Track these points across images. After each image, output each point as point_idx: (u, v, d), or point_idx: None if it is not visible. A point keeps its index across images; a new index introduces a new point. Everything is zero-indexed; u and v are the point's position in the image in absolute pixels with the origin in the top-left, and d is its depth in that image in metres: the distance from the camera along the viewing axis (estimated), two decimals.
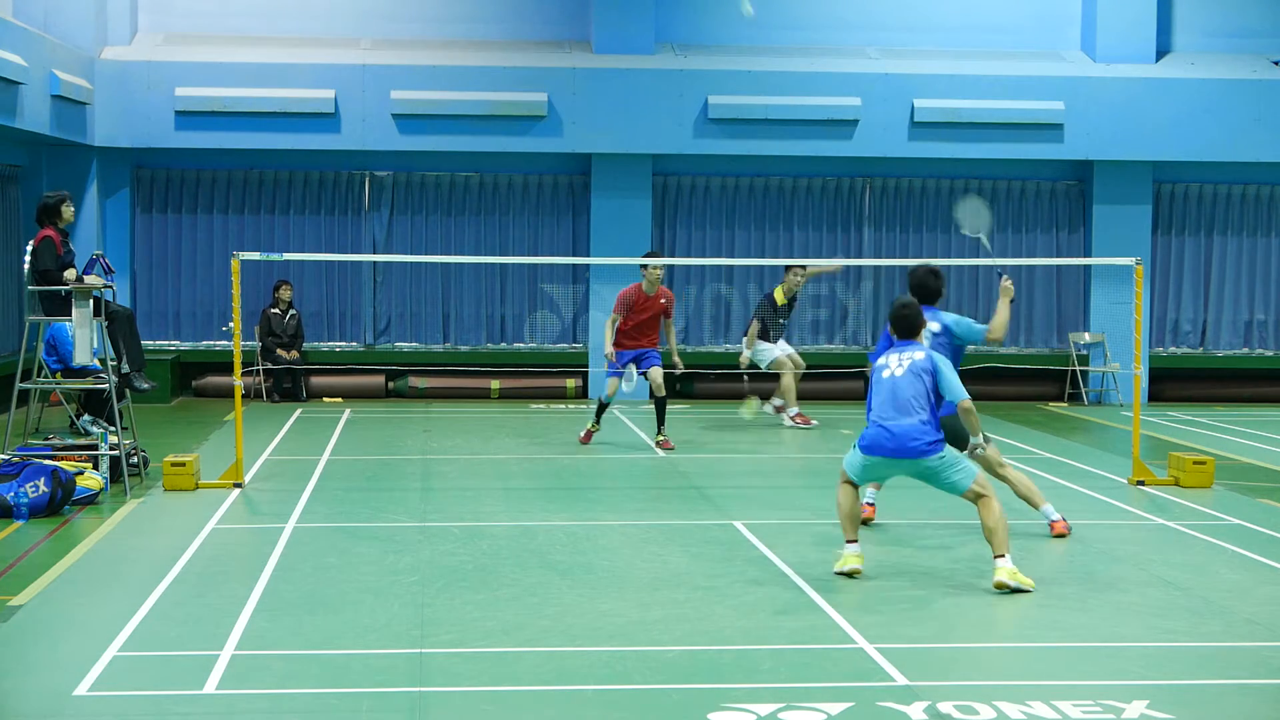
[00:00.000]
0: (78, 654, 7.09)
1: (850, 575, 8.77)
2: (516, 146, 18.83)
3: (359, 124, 18.59)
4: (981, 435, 8.93)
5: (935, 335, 9.74)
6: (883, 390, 8.73)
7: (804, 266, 16.48)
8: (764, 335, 16.30)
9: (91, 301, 11.86)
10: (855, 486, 8.92)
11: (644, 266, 14.55)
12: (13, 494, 10.56)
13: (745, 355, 16.28)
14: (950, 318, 9.92)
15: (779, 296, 16.36)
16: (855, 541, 8.86)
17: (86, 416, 13.00)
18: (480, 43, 19.63)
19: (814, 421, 16.29)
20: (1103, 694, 6.59)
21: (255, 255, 13.11)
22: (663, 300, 14.58)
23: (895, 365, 8.78)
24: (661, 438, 14.56)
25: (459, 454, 14.18)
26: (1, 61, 15.07)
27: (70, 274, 12.46)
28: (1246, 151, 19.43)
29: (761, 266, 19.50)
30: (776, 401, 16.50)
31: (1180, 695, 6.63)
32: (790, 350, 16.48)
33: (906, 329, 8.94)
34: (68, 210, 12.90)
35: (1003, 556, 8.47)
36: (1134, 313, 13.57)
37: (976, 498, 8.64)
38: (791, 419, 16.24)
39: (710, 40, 19.80)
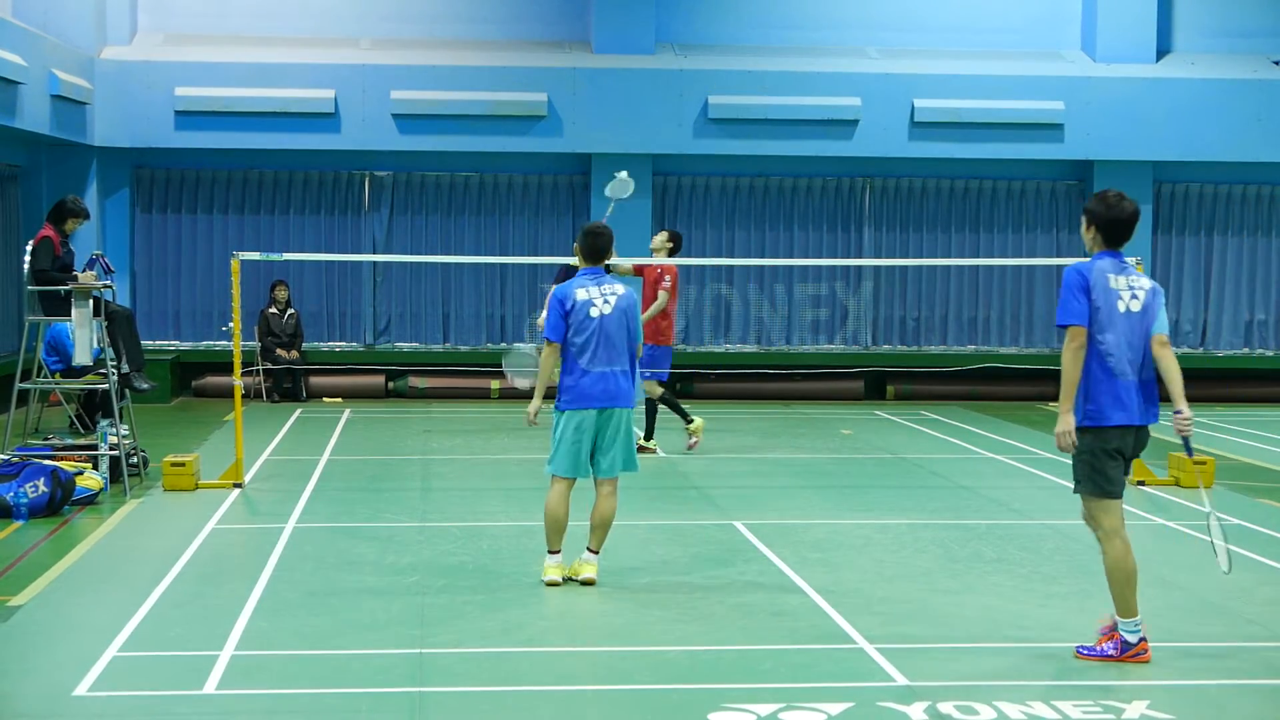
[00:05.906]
0: (78, 654, 7.08)
1: None
2: (516, 146, 18.83)
3: (359, 124, 18.58)
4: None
5: None
6: None
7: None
8: None
9: (91, 301, 11.85)
10: None
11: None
12: (12, 494, 10.55)
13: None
14: None
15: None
16: None
17: (104, 421, 12.93)
18: (480, 43, 19.63)
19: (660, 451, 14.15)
20: (1103, 694, 6.59)
21: (255, 255, 13.11)
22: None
23: None
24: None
25: (459, 454, 14.16)
26: (1, 61, 15.06)
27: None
28: (1246, 151, 19.43)
29: (761, 266, 19.50)
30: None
31: (1180, 695, 6.62)
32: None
33: None
34: (72, 224, 12.95)
35: None
36: None
37: None
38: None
39: (710, 40, 19.79)
